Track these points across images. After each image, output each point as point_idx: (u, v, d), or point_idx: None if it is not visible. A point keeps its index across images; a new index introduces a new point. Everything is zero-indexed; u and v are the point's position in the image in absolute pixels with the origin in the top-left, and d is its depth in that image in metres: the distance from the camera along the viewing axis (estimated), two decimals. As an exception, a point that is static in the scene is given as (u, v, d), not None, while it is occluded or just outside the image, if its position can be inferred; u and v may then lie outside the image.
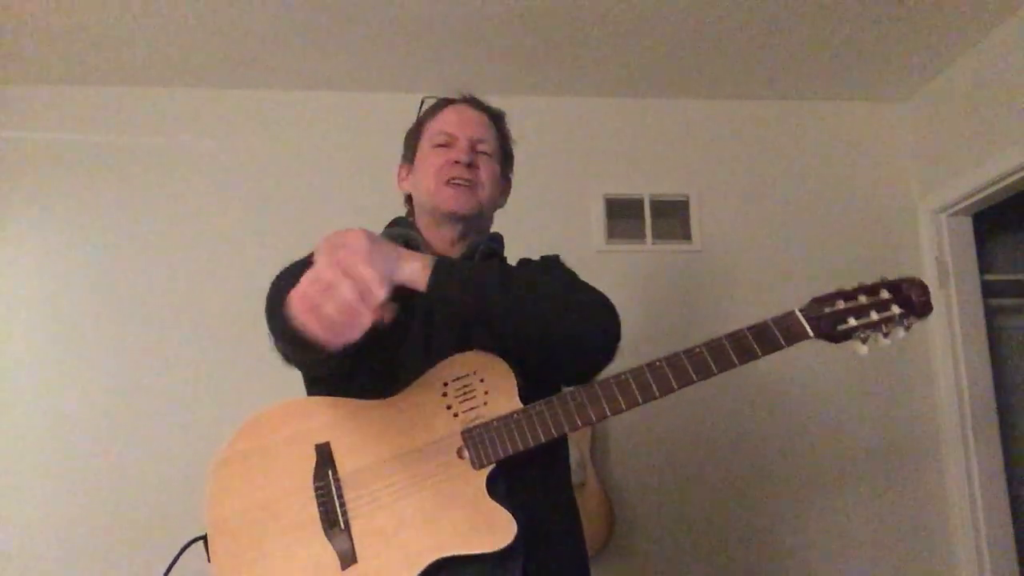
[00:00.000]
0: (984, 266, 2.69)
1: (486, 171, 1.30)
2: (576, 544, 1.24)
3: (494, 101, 1.38)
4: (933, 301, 1.17)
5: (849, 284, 1.15)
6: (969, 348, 2.54)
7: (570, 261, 1.41)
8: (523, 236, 2.54)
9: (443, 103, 1.35)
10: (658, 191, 2.65)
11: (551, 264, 1.37)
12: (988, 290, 2.68)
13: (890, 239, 2.68)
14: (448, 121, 1.32)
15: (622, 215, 2.62)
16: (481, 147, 1.30)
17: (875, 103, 2.78)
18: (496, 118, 1.37)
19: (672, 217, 2.66)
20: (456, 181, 1.27)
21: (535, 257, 1.40)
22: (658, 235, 2.62)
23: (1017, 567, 2.46)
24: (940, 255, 2.61)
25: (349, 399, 1.14)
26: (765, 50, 2.45)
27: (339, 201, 2.51)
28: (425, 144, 1.33)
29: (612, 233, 2.60)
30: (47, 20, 2.17)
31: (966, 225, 2.64)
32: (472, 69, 2.48)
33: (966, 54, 2.48)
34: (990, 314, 2.68)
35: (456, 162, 1.27)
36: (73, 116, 2.49)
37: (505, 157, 1.38)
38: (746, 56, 2.48)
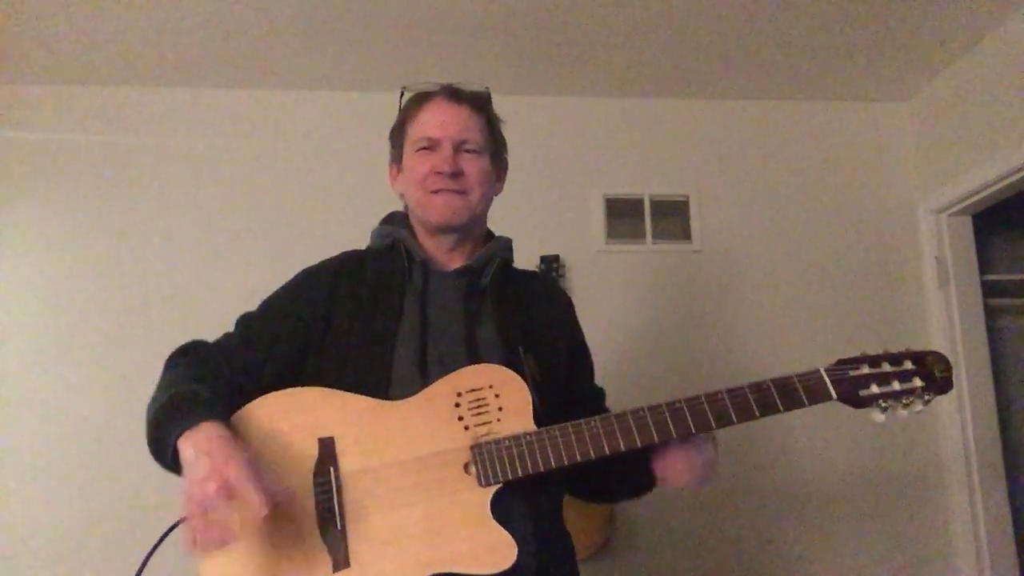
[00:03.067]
0: (984, 266, 2.69)
1: (474, 171, 1.24)
2: (573, 570, 1.22)
3: (494, 101, 1.35)
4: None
5: (874, 350, 1.16)
6: (969, 348, 2.54)
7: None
8: (523, 236, 2.54)
9: (421, 99, 1.28)
10: (658, 191, 2.65)
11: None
12: (988, 290, 2.68)
13: (890, 239, 2.68)
14: (428, 123, 1.25)
15: (622, 215, 2.62)
16: (466, 146, 1.24)
17: (875, 103, 2.77)
18: (479, 105, 1.29)
19: (672, 217, 2.66)
20: (442, 190, 1.22)
21: (534, 256, 1.40)
22: (658, 235, 2.62)
23: (1018, 570, 2.46)
24: (940, 255, 2.61)
25: (360, 396, 1.10)
26: (765, 50, 2.45)
27: (338, 201, 2.51)
28: (409, 147, 1.27)
29: (612, 233, 2.59)
30: (47, 20, 2.17)
31: (966, 225, 2.64)
32: (472, 69, 2.47)
33: (966, 54, 2.47)
34: (990, 314, 2.67)
35: (439, 172, 1.21)
36: (73, 116, 2.49)
37: (495, 142, 1.31)
38: (746, 56, 2.48)
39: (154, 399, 1.08)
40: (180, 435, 0.99)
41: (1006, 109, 2.32)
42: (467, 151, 1.24)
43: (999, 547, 2.44)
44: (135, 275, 2.42)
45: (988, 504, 2.45)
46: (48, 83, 2.48)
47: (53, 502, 2.25)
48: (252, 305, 1.28)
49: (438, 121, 1.25)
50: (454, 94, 1.27)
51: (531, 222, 2.52)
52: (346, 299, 1.20)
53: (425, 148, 1.24)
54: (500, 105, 1.36)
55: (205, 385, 1.06)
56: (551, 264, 2.37)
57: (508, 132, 1.39)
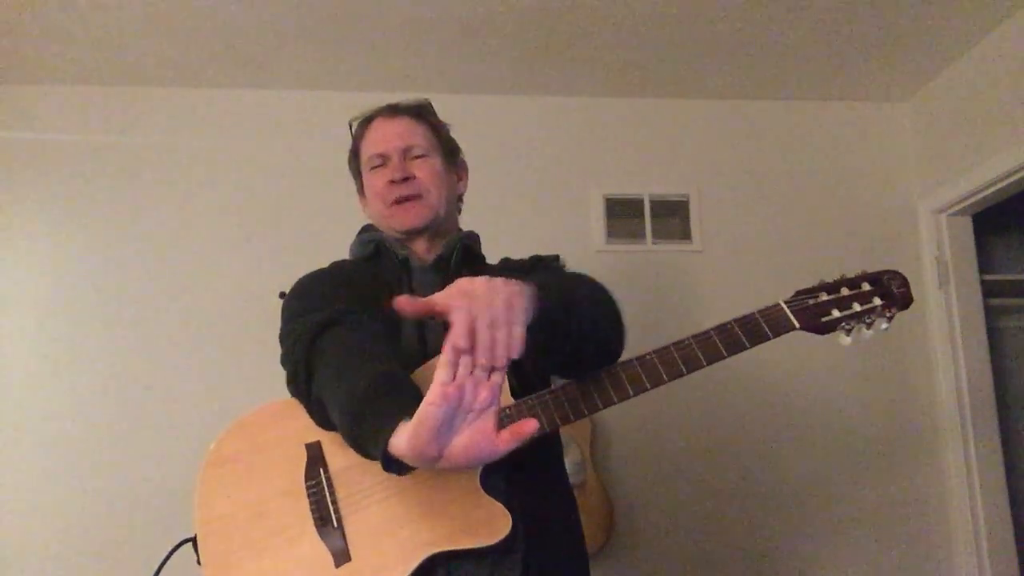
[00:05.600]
0: (984, 266, 2.69)
1: (426, 173, 1.31)
2: (575, 538, 1.24)
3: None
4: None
5: (831, 277, 1.19)
6: (969, 348, 2.54)
7: (570, 261, 1.43)
8: (523, 236, 2.54)
9: (365, 123, 1.37)
10: (658, 191, 2.65)
11: (553, 265, 1.37)
12: (988, 290, 2.68)
13: (890, 239, 2.68)
14: (373, 142, 1.34)
15: (622, 215, 2.62)
16: (413, 152, 1.32)
17: (875, 103, 2.78)
18: (419, 114, 1.36)
19: (672, 217, 2.66)
20: (400, 199, 1.29)
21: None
22: (658, 235, 2.62)
23: (1017, 567, 2.46)
24: (940, 255, 2.61)
25: None
26: (765, 50, 2.45)
27: (338, 201, 2.49)
28: (364, 169, 1.36)
29: (612, 233, 2.59)
30: (47, 20, 2.17)
31: (966, 225, 2.64)
32: (472, 69, 2.48)
33: (966, 54, 2.47)
34: (990, 314, 2.67)
35: (392, 182, 1.29)
36: (73, 116, 2.49)
37: (444, 144, 1.38)
38: (746, 56, 2.48)
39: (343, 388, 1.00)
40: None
41: (1006, 109, 2.32)
42: (415, 157, 1.32)
43: (998, 544, 2.45)
44: (134, 275, 2.41)
45: (988, 506, 2.46)
46: (48, 83, 2.48)
47: (55, 504, 2.24)
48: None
49: (382, 137, 1.33)
50: (392, 110, 1.36)
51: (531, 222, 2.52)
52: (351, 303, 1.21)
53: (377, 165, 1.33)
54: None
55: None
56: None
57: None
